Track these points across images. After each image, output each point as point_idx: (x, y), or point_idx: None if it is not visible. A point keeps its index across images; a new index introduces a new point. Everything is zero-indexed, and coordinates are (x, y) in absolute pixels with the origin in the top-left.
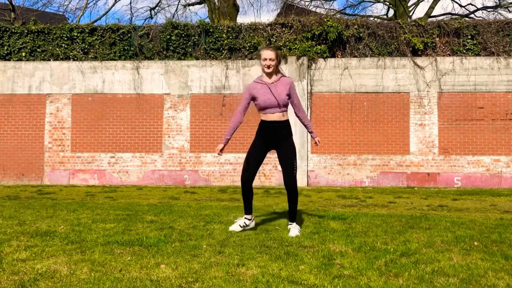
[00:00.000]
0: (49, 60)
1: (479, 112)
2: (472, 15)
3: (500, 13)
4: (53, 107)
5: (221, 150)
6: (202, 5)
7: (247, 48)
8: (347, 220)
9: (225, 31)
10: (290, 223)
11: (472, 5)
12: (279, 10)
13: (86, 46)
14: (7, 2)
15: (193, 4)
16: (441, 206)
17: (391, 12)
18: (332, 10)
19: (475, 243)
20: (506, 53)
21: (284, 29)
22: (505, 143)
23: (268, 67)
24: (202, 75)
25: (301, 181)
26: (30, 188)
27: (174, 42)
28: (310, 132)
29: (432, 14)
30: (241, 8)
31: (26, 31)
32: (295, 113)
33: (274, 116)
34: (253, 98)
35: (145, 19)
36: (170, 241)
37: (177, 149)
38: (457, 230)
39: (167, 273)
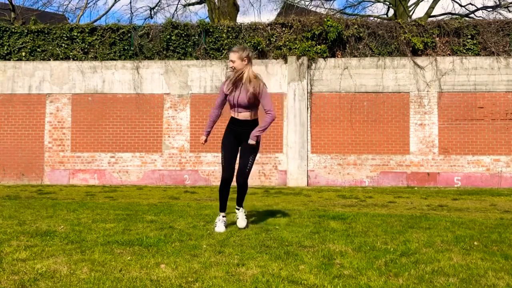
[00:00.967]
0: (49, 60)
1: (479, 112)
2: (472, 15)
3: (500, 13)
4: (53, 107)
5: (205, 141)
6: (202, 5)
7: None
8: (347, 220)
9: (225, 31)
10: (237, 207)
11: (472, 4)
12: (279, 10)
13: (86, 46)
14: (7, 2)
15: (193, 4)
16: (441, 206)
17: (391, 12)
18: (332, 10)
19: (475, 243)
20: (506, 53)
21: (284, 29)
22: (505, 143)
23: (232, 69)
24: (202, 75)
25: (301, 181)
26: (30, 188)
27: (174, 42)
28: (255, 135)
29: (432, 14)
30: (241, 8)
31: (26, 31)
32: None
33: (240, 115)
34: (225, 95)
35: (145, 19)
36: (170, 241)
37: (177, 149)
38: (457, 230)
39: (167, 273)
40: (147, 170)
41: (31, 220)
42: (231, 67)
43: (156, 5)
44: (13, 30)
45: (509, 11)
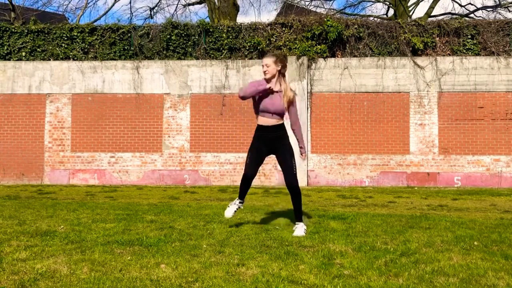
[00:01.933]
0: (49, 60)
1: (479, 112)
2: (472, 15)
3: (500, 13)
4: (53, 107)
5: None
6: (202, 4)
7: (247, 48)
8: (347, 220)
9: (225, 30)
10: (297, 222)
11: (472, 4)
12: (279, 10)
13: (86, 46)
14: (7, 2)
15: (193, 4)
16: (441, 206)
17: (391, 12)
18: (332, 10)
19: (475, 242)
20: (506, 53)
21: (284, 28)
22: (505, 142)
23: (264, 73)
24: (202, 75)
25: (301, 181)
26: (30, 187)
27: (174, 42)
28: (300, 147)
29: (432, 14)
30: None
31: (26, 31)
32: (290, 126)
33: (269, 121)
34: (253, 97)
35: (145, 19)
36: (170, 240)
37: (177, 148)
38: (457, 230)
39: (167, 273)
40: (147, 170)
41: (31, 220)
42: (264, 72)
43: (156, 5)
44: (13, 30)
45: (509, 11)
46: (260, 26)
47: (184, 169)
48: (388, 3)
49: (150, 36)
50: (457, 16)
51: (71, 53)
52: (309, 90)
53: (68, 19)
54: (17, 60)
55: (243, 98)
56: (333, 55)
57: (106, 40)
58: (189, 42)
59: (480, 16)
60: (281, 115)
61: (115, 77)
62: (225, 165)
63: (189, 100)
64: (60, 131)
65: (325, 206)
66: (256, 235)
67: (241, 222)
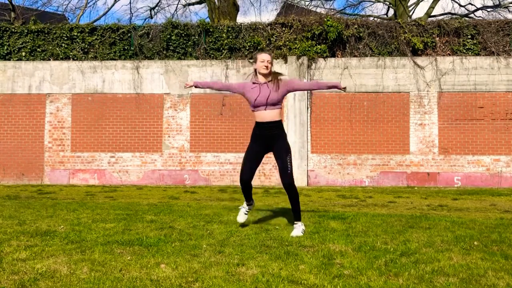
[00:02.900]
0: (49, 59)
1: (479, 112)
2: (472, 15)
3: (500, 13)
4: (53, 107)
5: (189, 86)
6: (202, 4)
7: (247, 48)
8: (347, 220)
9: (225, 30)
10: (295, 222)
11: (471, 4)
12: (279, 10)
13: (86, 46)
14: (7, 2)
15: (193, 4)
16: (441, 206)
17: (391, 12)
18: (332, 10)
19: (475, 242)
20: (506, 53)
21: (284, 28)
22: (505, 142)
23: (266, 67)
24: (202, 75)
25: (301, 181)
26: (30, 187)
27: (174, 42)
28: (333, 86)
29: (432, 14)
30: (241, 8)
31: (26, 31)
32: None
33: (265, 116)
34: (243, 94)
35: (145, 19)
36: (170, 240)
37: (177, 148)
38: (457, 229)
39: (167, 273)
40: (147, 170)
41: (31, 220)
42: (265, 66)
43: (156, 5)
44: (13, 30)
45: (509, 11)
46: (260, 26)
47: (184, 169)
48: (388, 3)
49: (150, 36)
50: (457, 16)
51: (71, 53)
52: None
53: (68, 19)
54: (17, 60)
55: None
56: (333, 55)
57: (106, 40)
58: (189, 42)
59: (480, 16)
60: (275, 105)
61: (115, 77)
62: (225, 165)
63: (189, 100)
64: (60, 131)
65: (325, 206)
66: (256, 235)
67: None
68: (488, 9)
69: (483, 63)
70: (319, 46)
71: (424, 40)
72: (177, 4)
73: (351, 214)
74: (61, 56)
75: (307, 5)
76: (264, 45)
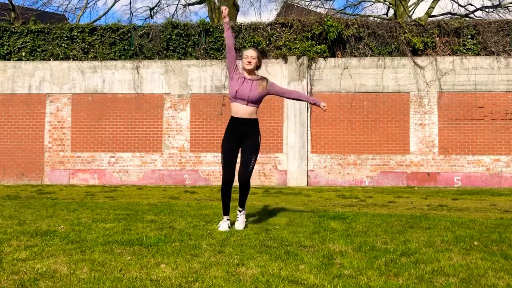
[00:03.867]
0: (49, 59)
1: (479, 112)
2: (472, 15)
3: (500, 13)
4: (53, 107)
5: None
6: (202, 4)
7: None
8: (347, 220)
9: None
10: (239, 208)
11: (471, 5)
12: (279, 10)
13: (86, 46)
14: (7, 2)
15: (193, 4)
16: (441, 206)
17: (391, 12)
18: (332, 10)
19: (475, 242)
20: (506, 53)
21: (284, 28)
22: (505, 142)
23: (249, 63)
24: (202, 75)
25: (301, 181)
26: (30, 187)
27: (174, 42)
28: (313, 103)
29: (432, 14)
30: (241, 8)
31: (26, 31)
32: (292, 99)
33: (242, 111)
34: (231, 74)
35: (145, 19)
36: (170, 240)
37: (177, 148)
38: (457, 229)
39: (167, 273)
40: (147, 170)
41: (31, 220)
42: (248, 61)
43: (156, 5)
44: (13, 30)
45: (509, 11)
46: (260, 26)
47: (184, 169)
48: (388, 3)
49: (150, 36)
50: (457, 16)
51: (71, 53)
52: (309, 90)
53: (68, 19)
54: (17, 60)
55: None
56: (333, 55)
57: (106, 40)
58: (189, 42)
59: (480, 16)
60: (255, 103)
61: (115, 77)
62: None
63: (189, 100)
64: (60, 131)
65: (325, 206)
66: (256, 235)
67: None
68: (488, 9)
69: (483, 63)
70: (319, 46)
71: (424, 40)
72: (177, 4)
73: (351, 214)
74: (61, 56)
75: (307, 5)
76: (264, 45)
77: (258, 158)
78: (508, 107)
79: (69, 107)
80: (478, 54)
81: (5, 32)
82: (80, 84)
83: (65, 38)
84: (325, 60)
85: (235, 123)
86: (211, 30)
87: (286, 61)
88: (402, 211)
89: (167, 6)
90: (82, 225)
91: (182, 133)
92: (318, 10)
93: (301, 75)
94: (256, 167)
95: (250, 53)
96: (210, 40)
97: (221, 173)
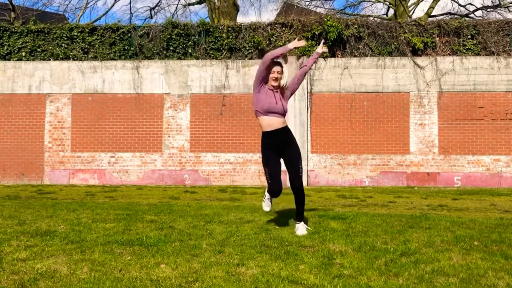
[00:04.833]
0: (49, 59)
1: (479, 112)
2: (472, 15)
3: (500, 13)
4: (53, 107)
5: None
6: (202, 4)
7: (247, 48)
8: (347, 220)
9: (225, 30)
10: (297, 222)
11: (471, 4)
12: (279, 10)
13: (86, 46)
14: (7, 2)
15: (193, 4)
16: (441, 206)
17: (391, 12)
18: (332, 10)
19: (475, 242)
20: (506, 53)
21: (284, 28)
22: (505, 142)
23: (276, 79)
24: (202, 75)
25: None
26: (30, 187)
27: (174, 42)
28: (317, 56)
29: (432, 14)
30: (241, 8)
31: (26, 31)
32: (305, 74)
33: (277, 123)
34: (258, 88)
35: (145, 19)
36: (170, 240)
37: (177, 148)
38: (457, 229)
39: (167, 273)
40: (147, 170)
41: (31, 220)
42: (275, 78)
43: (156, 5)
44: (13, 30)
45: (509, 11)
46: (260, 26)
47: (184, 169)
48: (388, 3)
49: (150, 36)
50: (457, 16)
51: (71, 53)
52: (309, 90)
53: (68, 19)
54: (17, 60)
55: (265, 62)
56: (333, 55)
57: (106, 40)
58: (189, 42)
59: (480, 16)
60: (284, 114)
61: (115, 77)
62: (225, 165)
63: (189, 100)
64: (60, 131)
65: (325, 206)
66: (256, 235)
67: (241, 222)
68: (488, 9)
69: (483, 63)
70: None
71: (424, 40)
72: (177, 4)
73: (351, 214)
74: (61, 56)
75: (307, 5)
76: (264, 45)
77: (258, 158)
78: (508, 107)
79: (69, 107)
80: (478, 54)
81: (5, 32)
82: (80, 84)
83: (65, 38)
84: (325, 60)
85: (273, 136)
86: (211, 30)
87: (286, 61)
88: (402, 211)
89: (167, 6)
90: (82, 225)
91: (182, 133)
92: (318, 10)
93: None
94: (256, 167)
95: (278, 69)
96: (210, 40)
97: (221, 173)
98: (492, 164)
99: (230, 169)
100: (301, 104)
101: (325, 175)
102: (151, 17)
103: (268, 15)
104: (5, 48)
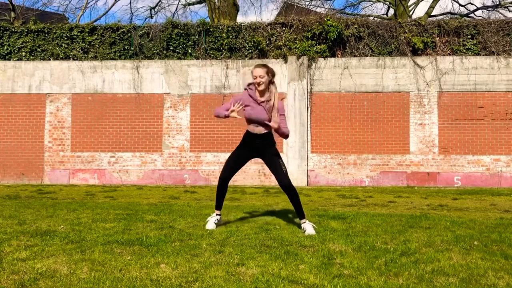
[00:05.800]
0: (49, 59)
1: (479, 112)
2: (472, 15)
3: (500, 13)
4: (53, 107)
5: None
6: (202, 4)
7: (247, 48)
8: (347, 220)
9: (225, 30)
10: (301, 221)
11: (471, 4)
12: (279, 10)
13: (86, 46)
14: (7, 2)
15: (193, 4)
16: (441, 206)
17: (391, 12)
18: (332, 10)
19: (475, 242)
20: (506, 53)
21: (284, 28)
22: (505, 142)
23: (259, 84)
24: (202, 75)
25: (301, 181)
26: (30, 187)
27: (174, 42)
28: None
29: (432, 14)
30: (241, 8)
31: (26, 31)
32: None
33: (257, 130)
34: (239, 103)
35: (145, 19)
36: (170, 240)
37: (177, 148)
38: (457, 229)
39: (167, 273)
40: (147, 169)
41: (31, 219)
42: (258, 83)
43: (156, 5)
44: (13, 30)
45: (509, 11)
46: (260, 26)
47: (184, 168)
48: (388, 3)
49: (150, 36)
50: (457, 15)
51: (71, 53)
52: (309, 90)
53: (68, 19)
54: (17, 60)
55: (216, 116)
56: (333, 55)
57: (106, 40)
58: (189, 42)
59: (480, 16)
60: (267, 125)
61: (115, 77)
62: None
63: (189, 100)
64: (60, 131)
65: (325, 206)
66: (256, 235)
67: (241, 222)
68: (488, 9)
69: (483, 63)
70: (319, 46)
71: (424, 40)
72: (177, 4)
73: (351, 214)
74: (61, 56)
75: (307, 5)
76: (264, 45)
77: (257, 158)
78: (508, 107)
79: (69, 107)
80: (478, 54)
81: (5, 32)
82: (80, 84)
83: (65, 38)
84: (325, 60)
85: (250, 137)
86: (211, 30)
87: (286, 61)
88: (402, 211)
89: (167, 6)
90: (82, 225)
91: (182, 133)
92: (318, 10)
93: (301, 75)
94: (256, 167)
95: (257, 72)
96: (210, 40)
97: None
98: (492, 164)
99: None
100: (301, 104)
101: (325, 175)
102: (151, 17)
103: (268, 15)
104: (5, 48)
